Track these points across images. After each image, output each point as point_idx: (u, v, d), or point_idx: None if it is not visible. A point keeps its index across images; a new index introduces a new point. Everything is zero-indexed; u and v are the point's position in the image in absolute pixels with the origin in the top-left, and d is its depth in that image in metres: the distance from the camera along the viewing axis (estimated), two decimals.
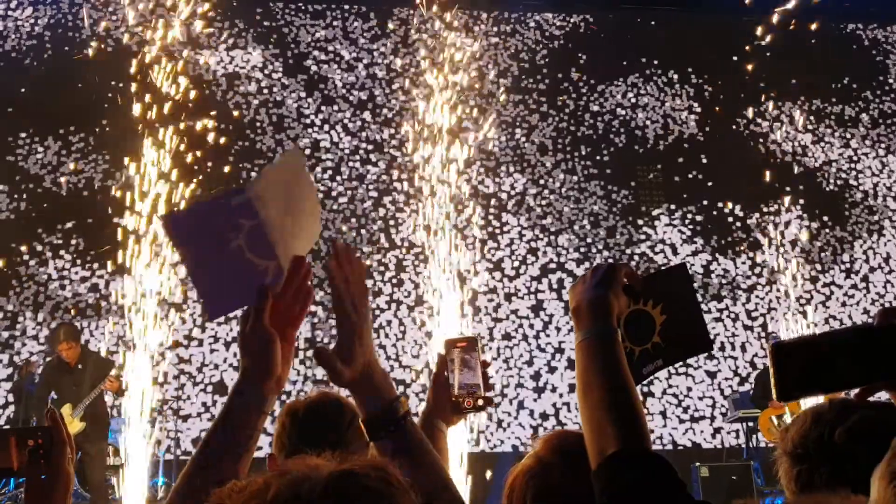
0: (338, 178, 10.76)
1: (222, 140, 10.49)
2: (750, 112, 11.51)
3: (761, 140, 11.53)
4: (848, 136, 11.81)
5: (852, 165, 11.70)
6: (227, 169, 10.43)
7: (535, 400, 10.22)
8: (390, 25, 11.45)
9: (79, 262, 10.07)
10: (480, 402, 1.97)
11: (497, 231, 10.71)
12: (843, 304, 11.08)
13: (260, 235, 1.38)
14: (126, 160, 8.74)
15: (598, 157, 11.25)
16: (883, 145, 11.83)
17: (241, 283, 1.42)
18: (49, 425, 1.85)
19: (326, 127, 11.01)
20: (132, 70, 9.14)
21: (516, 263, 10.66)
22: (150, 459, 7.94)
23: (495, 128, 10.96)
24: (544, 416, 10.15)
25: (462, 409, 1.99)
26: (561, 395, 10.22)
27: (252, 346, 1.43)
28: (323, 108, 11.07)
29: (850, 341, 1.32)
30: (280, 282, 1.41)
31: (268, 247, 1.39)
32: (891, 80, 12.23)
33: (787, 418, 8.53)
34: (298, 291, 1.43)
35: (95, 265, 10.00)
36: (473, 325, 8.93)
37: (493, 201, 10.80)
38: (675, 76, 11.76)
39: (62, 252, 10.08)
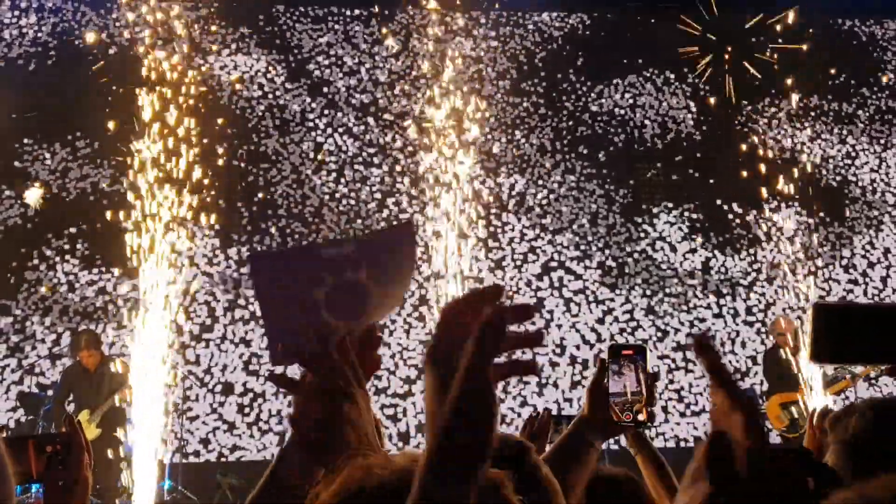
0: (342, 179, 10.89)
1: (226, 143, 10.66)
2: (748, 109, 11.61)
3: (760, 137, 11.62)
4: (845, 132, 11.91)
5: (850, 162, 11.80)
6: (231, 171, 10.62)
7: (538, 395, 10.36)
8: (391, 28, 11.56)
9: (85, 266, 10.22)
10: (641, 416, 1.79)
11: (498, 231, 10.83)
12: (843, 300, 11.18)
13: (342, 295, 1.33)
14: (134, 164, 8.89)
15: (596, 157, 11.36)
16: (880, 142, 11.92)
17: (309, 339, 1.35)
18: (67, 431, 1.86)
19: (329, 130, 11.14)
20: (137, 74, 9.31)
21: (518, 262, 10.78)
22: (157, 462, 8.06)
23: (495, 130, 11.09)
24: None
25: (619, 423, 1.82)
26: (563, 392, 10.36)
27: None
28: (326, 111, 11.20)
29: (892, 316, 1.31)
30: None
31: (347, 308, 1.34)
32: (889, 76, 12.31)
33: (794, 409, 8.57)
34: (364, 359, 1.37)
35: (103, 269, 10.15)
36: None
37: (493, 201, 10.91)
38: (672, 75, 11.86)
39: (69, 257, 10.23)
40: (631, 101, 11.70)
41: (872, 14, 12.42)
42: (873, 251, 11.44)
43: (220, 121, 10.30)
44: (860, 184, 11.70)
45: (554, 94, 11.55)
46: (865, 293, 11.23)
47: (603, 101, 11.65)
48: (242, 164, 10.79)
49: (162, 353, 8.51)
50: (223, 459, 9.81)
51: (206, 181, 9.57)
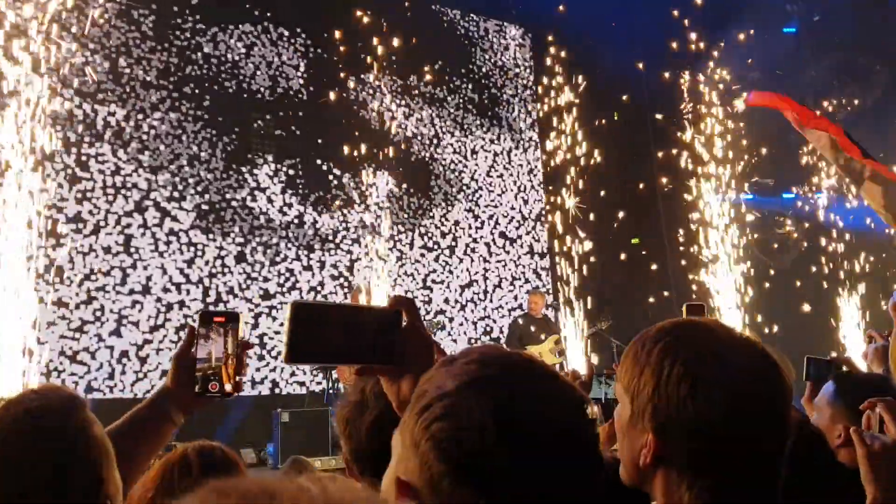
0: None
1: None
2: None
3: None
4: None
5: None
6: None
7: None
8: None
9: None
10: (228, 386, 1.71)
11: (89, 160, 10.10)
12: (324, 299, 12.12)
13: None
14: None
15: (203, 101, 11.03)
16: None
17: None
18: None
19: None
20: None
21: (110, 197, 10.21)
22: None
23: (97, 53, 10.36)
24: None
25: (206, 393, 1.72)
26: (143, 331, 10.10)
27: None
28: None
29: (357, 314, 1.41)
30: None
31: None
32: None
33: None
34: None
35: None
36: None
37: (86, 129, 10.14)
38: (287, 32, 11.86)
39: None
40: (244, 50, 11.54)
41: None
42: None
43: None
44: None
45: (167, 29, 11.01)
46: None
47: (216, 43, 11.34)
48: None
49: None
50: None
51: None
